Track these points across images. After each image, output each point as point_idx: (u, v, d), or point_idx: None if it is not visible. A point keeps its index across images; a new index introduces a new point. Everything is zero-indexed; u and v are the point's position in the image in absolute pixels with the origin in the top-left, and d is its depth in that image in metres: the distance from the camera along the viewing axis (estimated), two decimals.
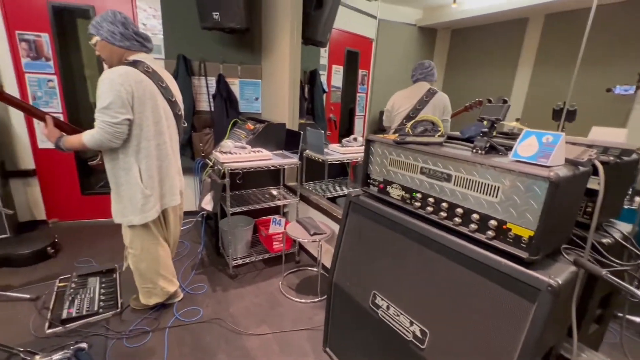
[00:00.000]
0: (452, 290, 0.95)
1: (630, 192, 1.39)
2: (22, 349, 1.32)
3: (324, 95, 3.79)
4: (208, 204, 2.23)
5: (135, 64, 1.53)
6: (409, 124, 1.21)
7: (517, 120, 3.35)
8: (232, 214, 2.21)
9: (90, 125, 1.50)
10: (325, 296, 1.62)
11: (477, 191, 0.90)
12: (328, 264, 1.99)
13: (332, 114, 4.44)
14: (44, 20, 2.59)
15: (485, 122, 0.98)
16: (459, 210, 0.95)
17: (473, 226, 0.91)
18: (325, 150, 2.53)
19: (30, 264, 2.32)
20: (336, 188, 2.75)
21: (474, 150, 0.94)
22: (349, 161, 2.69)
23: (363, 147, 1.27)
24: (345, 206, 1.38)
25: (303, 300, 2.11)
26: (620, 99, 2.86)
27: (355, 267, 1.33)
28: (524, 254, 0.80)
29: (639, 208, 1.57)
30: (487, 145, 0.91)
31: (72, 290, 2.00)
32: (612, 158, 0.90)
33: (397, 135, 1.16)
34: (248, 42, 3.07)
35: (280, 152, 2.62)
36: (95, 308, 1.87)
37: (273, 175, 2.75)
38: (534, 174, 0.76)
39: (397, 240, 1.14)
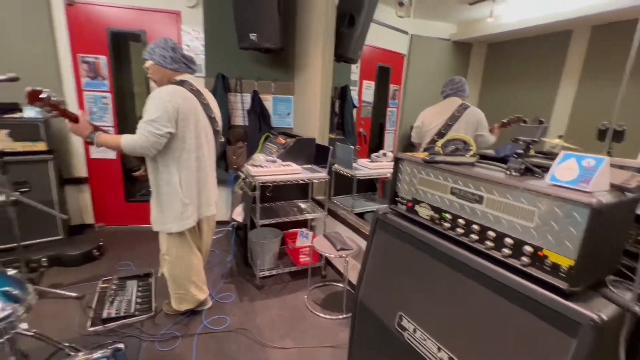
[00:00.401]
0: (484, 317, 0.91)
1: None
2: (67, 345, 1.43)
3: (355, 110, 3.83)
4: (239, 215, 2.31)
5: (182, 83, 1.67)
6: (439, 143, 1.19)
7: (560, 137, 3.15)
8: (261, 226, 2.27)
9: None
10: (350, 313, 1.60)
11: (510, 214, 0.87)
12: (354, 280, 1.96)
13: (362, 129, 4.46)
14: (102, 44, 2.88)
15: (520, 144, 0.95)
16: (491, 233, 0.91)
17: (506, 251, 0.87)
18: (354, 165, 2.54)
19: (78, 264, 2.52)
20: (364, 203, 2.73)
21: (508, 172, 0.91)
22: (378, 177, 2.68)
23: (392, 163, 1.26)
24: (373, 223, 1.37)
25: (328, 316, 2.09)
26: None
27: (382, 286, 1.31)
28: (563, 285, 0.75)
29: None
30: (522, 167, 0.88)
31: (112, 291, 2.14)
32: None
33: (426, 153, 1.15)
34: (282, 60, 3.20)
35: (310, 166, 2.67)
36: (132, 310, 1.98)
37: (302, 189, 2.79)
38: (573, 200, 0.72)
39: (425, 261, 1.12)
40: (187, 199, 1.71)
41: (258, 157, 2.40)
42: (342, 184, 2.78)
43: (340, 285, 2.44)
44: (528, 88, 4.33)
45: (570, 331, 0.73)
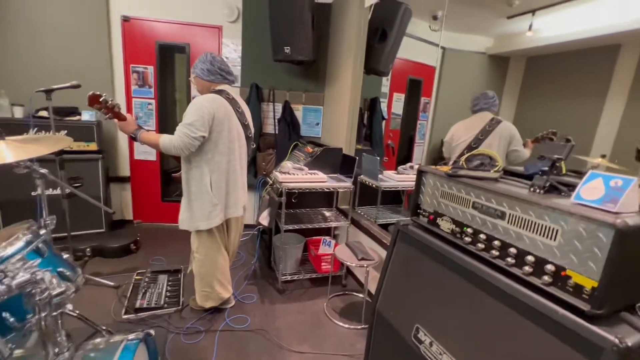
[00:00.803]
0: (501, 335, 0.90)
1: None
2: (104, 328, 1.56)
3: (383, 122, 3.85)
4: (265, 219, 2.39)
5: (220, 92, 1.82)
6: (463, 157, 1.20)
7: (603, 157, 2.97)
8: (286, 231, 2.34)
9: None
10: (368, 325, 1.60)
11: (533, 232, 0.86)
12: (374, 291, 1.96)
13: (391, 141, 4.45)
14: (151, 55, 3.15)
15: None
16: (512, 250, 0.90)
17: (527, 269, 0.86)
18: (380, 176, 2.55)
19: (116, 256, 2.72)
20: (389, 215, 2.72)
21: (532, 189, 0.90)
22: (404, 189, 2.66)
23: None
24: (394, 234, 1.39)
25: (346, 326, 2.10)
26: None
27: (400, 297, 1.32)
28: (585, 306, 0.73)
29: None
30: (547, 184, 0.87)
31: (145, 283, 2.29)
32: None
33: (449, 167, 1.16)
34: (313, 72, 3.31)
35: (336, 175, 2.71)
36: (162, 303, 2.11)
37: (327, 197, 2.84)
38: (597, 219, 0.71)
39: (444, 274, 1.11)
40: (216, 199, 1.82)
41: (286, 164, 2.49)
42: (367, 195, 2.80)
43: (360, 295, 2.44)
44: (570, 104, 4.10)
45: (593, 356, 0.71)
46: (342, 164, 2.74)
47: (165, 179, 3.48)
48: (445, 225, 1.15)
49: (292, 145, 3.15)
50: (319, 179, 2.43)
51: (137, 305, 2.04)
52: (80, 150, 2.79)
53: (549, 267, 0.81)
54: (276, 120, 3.35)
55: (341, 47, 2.94)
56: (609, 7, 3.16)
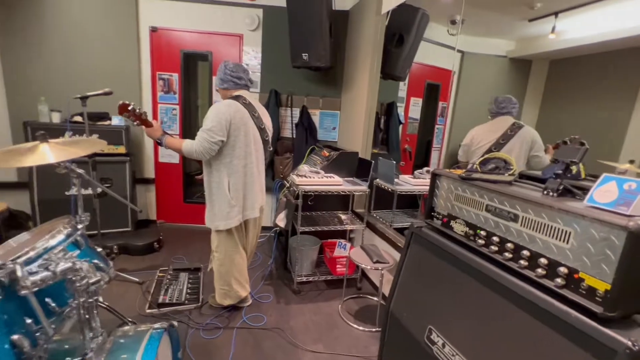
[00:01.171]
0: (514, 337, 0.90)
1: None
2: (130, 320, 1.65)
3: (400, 126, 3.85)
4: (281, 220, 2.46)
5: (237, 98, 1.91)
6: (477, 161, 1.21)
7: (632, 162, 2.85)
8: (302, 233, 2.39)
9: None
10: (382, 326, 1.62)
11: (546, 234, 0.87)
12: (388, 293, 1.97)
13: (408, 145, 4.43)
14: (176, 63, 3.31)
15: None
16: (525, 252, 0.91)
17: (540, 271, 0.87)
18: (396, 180, 2.56)
19: (141, 254, 2.86)
20: (405, 219, 2.72)
21: (545, 192, 0.91)
22: (420, 193, 2.66)
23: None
24: (408, 236, 1.41)
25: (361, 328, 2.11)
26: None
27: (413, 298, 1.33)
28: (598, 309, 0.73)
29: None
30: (560, 187, 0.88)
31: (167, 280, 2.40)
32: None
33: (463, 170, 1.17)
34: (331, 77, 3.38)
35: (352, 179, 2.75)
36: (183, 299, 2.20)
37: (343, 200, 2.88)
38: (610, 222, 0.71)
39: (457, 276, 1.13)
40: (234, 201, 1.90)
41: (303, 167, 2.55)
42: (384, 199, 2.81)
43: (375, 298, 2.45)
44: (596, 108, 3.95)
45: (606, 359, 0.71)
46: (358, 167, 2.77)
47: (187, 181, 3.62)
48: (459, 228, 1.16)
49: (309, 149, 3.21)
50: (335, 182, 2.47)
51: (160, 300, 2.14)
52: (110, 153, 2.96)
53: (562, 270, 0.82)
54: (294, 125, 3.43)
55: (358, 53, 2.99)
56: (638, 7, 3.05)
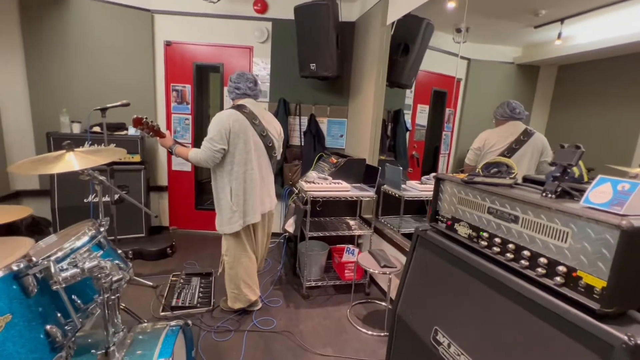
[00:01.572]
0: (517, 335, 0.93)
1: None
2: (145, 321, 1.72)
3: (407, 133, 3.89)
4: (290, 226, 2.51)
5: (238, 107, 2.01)
6: (480, 165, 1.25)
7: None
8: (310, 238, 2.43)
9: None
10: (389, 328, 1.64)
11: (545, 235, 0.90)
12: (395, 296, 1.99)
13: (415, 152, 4.46)
14: (189, 75, 3.45)
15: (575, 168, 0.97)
16: (526, 252, 0.94)
17: (540, 270, 0.90)
18: (403, 186, 2.59)
19: (154, 259, 2.95)
20: (412, 224, 2.75)
21: (544, 194, 0.94)
22: (427, 199, 2.68)
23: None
24: (413, 240, 1.44)
25: (369, 332, 2.13)
26: None
27: (419, 300, 1.36)
28: (595, 305, 0.76)
29: None
30: (558, 189, 0.91)
31: (180, 284, 2.47)
32: None
33: (466, 174, 1.21)
34: (338, 86, 3.46)
35: (359, 185, 2.79)
36: (195, 302, 2.26)
37: (350, 206, 2.92)
38: (604, 221, 0.75)
39: (462, 278, 1.15)
40: (235, 207, 1.98)
41: (311, 174, 2.61)
42: (391, 205, 2.84)
43: (383, 303, 2.46)
44: (607, 113, 3.92)
45: (604, 354, 0.73)
46: (366, 174, 2.82)
47: (198, 189, 3.72)
48: (463, 230, 1.20)
49: (317, 156, 3.28)
50: (343, 188, 2.52)
51: (173, 303, 2.21)
52: (127, 162, 3.08)
53: (561, 269, 0.85)
54: (302, 133, 3.51)
55: (364, 62, 3.07)
56: None
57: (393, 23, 2.71)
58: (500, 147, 2.36)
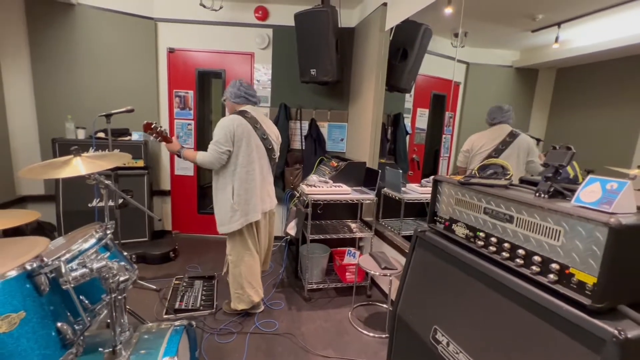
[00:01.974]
0: (513, 332, 0.95)
1: None
2: (150, 323, 1.74)
3: (407, 136, 3.93)
4: (292, 229, 2.54)
5: (241, 112, 2.11)
6: (476, 167, 1.28)
7: None
8: (312, 241, 2.46)
9: None
10: (390, 329, 1.66)
11: (538, 233, 0.92)
12: (395, 296, 2.01)
13: (416, 155, 4.49)
14: (191, 81, 3.50)
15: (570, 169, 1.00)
16: (521, 251, 0.97)
17: (535, 268, 0.92)
18: (403, 189, 2.62)
19: (157, 263, 2.98)
20: (412, 227, 2.77)
21: (537, 194, 0.97)
22: (427, 201, 2.71)
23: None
24: (412, 240, 1.47)
25: (371, 334, 2.15)
26: None
27: (419, 300, 1.38)
28: (586, 301, 0.79)
29: None
30: (551, 189, 0.94)
31: (183, 287, 2.49)
32: None
33: (462, 176, 1.24)
34: (338, 91, 3.51)
35: (360, 188, 2.82)
36: (198, 305, 2.28)
37: (351, 209, 2.95)
38: (593, 219, 0.77)
39: (460, 277, 1.18)
40: (236, 206, 2.05)
41: (312, 177, 2.64)
42: (392, 207, 2.87)
43: (384, 305, 2.48)
44: (606, 115, 3.95)
45: (596, 348, 0.76)
46: (366, 177, 2.85)
47: (201, 193, 3.75)
48: (460, 231, 1.23)
49: (318, 160, 3.31)
50: (343, 191, 2.55)
51: (176, 306, 2.23)
52: (130, 167, 3.12)
53: (554, 266, 0.87)
54: (303, 137, 3.55)
55: (364, 67, 3.12)
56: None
57: (392, 28, 2.76)
58: (488, 148, 2.44)
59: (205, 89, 4.06)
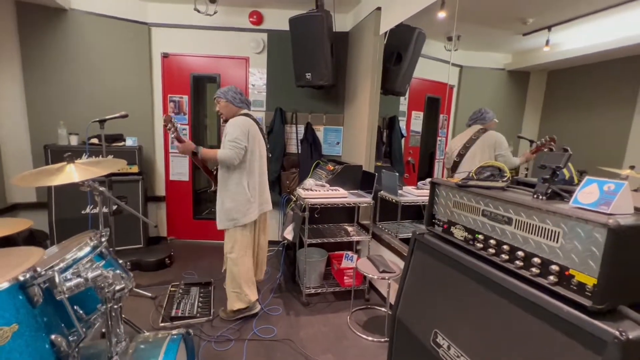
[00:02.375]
0: (514, 334, 0.95)
1: None
2: (146, 331, 1.71)
3: (403, 139, 3.94)
4: (289, 233, 2.52)
5: (247, 115, 2.22)
6: (474, 169, 1.28)
7: (632, 168, 2.89)
8: (309, 245, 2.45)
9: None
10: (389, 332, 1.65)
11: (537, 235, 0.93)
12: (394, 300, 2.01)
13: (411, 158, 4.51)
14: (186, 86, 3.49)
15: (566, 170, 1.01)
16: (520, 253, 0.97)
17: (534, 270, 0.92)
18: (399, 192, 2.63)
19: (153, 269, 2.93)
20: (410, 229, 2.77)
21: (535, 196, 0.97)
22: (424, 204, 2.71)
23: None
24: (411, 243, 1.46)
25: (370, 338, 2.13)
26: None
27: (418, 303, 1.38)
28: (587, 302, 0.79)
29: None
30: (548, 191, 0.94)
31: (179, 295, 2.46)
32: None
33: (460, 178, 1.25)
34: (333, 95, 3.52)
35: (356, 191, 2.82)
36: (194, 312, 2.25)
37: (348, 213, 2.94)
38: (592, 221, 0.78)
39: (459, 280, 1.18)
40: (253, 198, 2.17)
41: (308, 181, 2.63)
42: (388, 210, 2.87)
43: (383, 309, 2.47)
44: (597, 116, 4.00)
45: (598, 349, 0.76)
46: (362, 180, 2.85)
47: (196, 198, 3.72)
48: (459, 233, 1.23)
49: (314, 164, 3.31)
50: (340, 195, 2.54)
51: (173, 314, 2.20)
52: (124, 173, 3.09)
53: (554, 268, 0.87)
54: (299, 141, 3.54)
55: (358, 71, 3.13)
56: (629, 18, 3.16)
57: (386, 33, 2.78)
58: (457, 147, 2.56)
59: (200, 93, 4.04)
